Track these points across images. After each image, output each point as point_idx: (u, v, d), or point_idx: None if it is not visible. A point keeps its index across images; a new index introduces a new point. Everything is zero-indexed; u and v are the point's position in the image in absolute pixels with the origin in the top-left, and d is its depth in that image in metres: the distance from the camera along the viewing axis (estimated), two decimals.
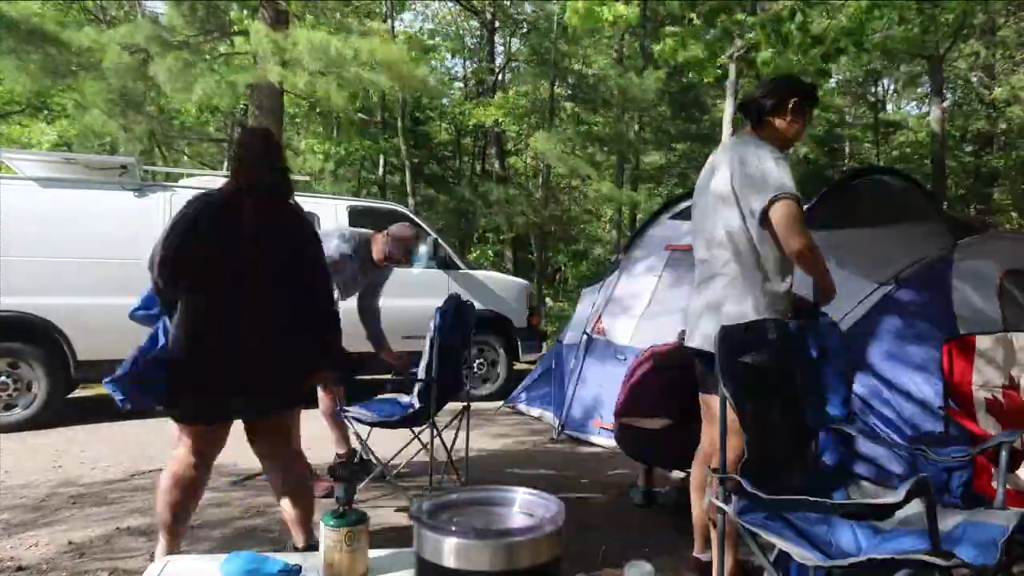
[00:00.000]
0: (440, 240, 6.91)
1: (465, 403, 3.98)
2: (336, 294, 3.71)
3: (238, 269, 2.38)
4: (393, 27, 18.32)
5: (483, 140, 21.07)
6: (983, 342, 3.32)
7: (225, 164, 16.00)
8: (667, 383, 3.45)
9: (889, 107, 23.76)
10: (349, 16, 14.41)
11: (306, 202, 6.53)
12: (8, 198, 5.28)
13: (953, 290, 3.93)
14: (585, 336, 5.29)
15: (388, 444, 4.92)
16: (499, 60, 20.39)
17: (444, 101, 19.24)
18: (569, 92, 19.42)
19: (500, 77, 20.09)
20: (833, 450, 2.97)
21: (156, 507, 2.46)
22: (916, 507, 1.56)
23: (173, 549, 2.43)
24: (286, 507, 2.56)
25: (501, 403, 6.30)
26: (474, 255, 17.78)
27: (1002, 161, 16.36)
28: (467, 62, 21.73)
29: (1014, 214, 17.75)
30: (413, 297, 6.62)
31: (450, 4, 20.29)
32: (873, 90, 22.45)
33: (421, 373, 3.66)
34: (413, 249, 3.98)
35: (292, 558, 1.60)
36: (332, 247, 3.72)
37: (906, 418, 3.32)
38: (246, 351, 2.36)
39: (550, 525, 1.22)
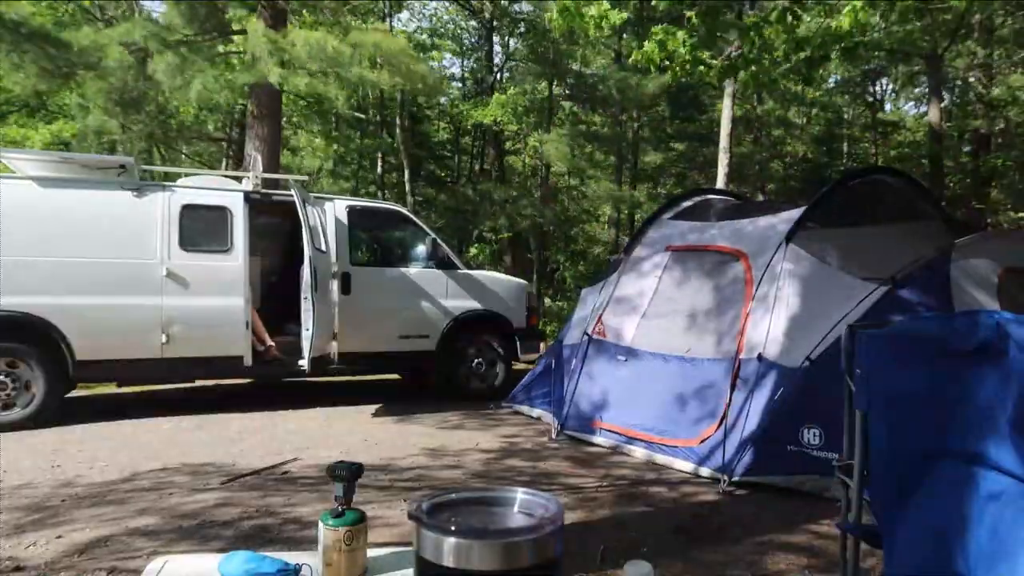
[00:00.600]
0: (439, 240, 6.91)
1: None
2: None
3: None
4: (392, 27, 18.30)
5: (482, 139, 21.06)
6: None
7: (224, 163, 15.99)
8: None
9: (887, 107, 23.79)
10: (348, 15, 14.38)
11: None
12: (7, 198, 5.28)
13: (952, 289, 3.95)
14: (586, 337, 5.30)
15: (389, 444, 4.93)
16: (497, 59, 20.38)
17: (443, 100, 19.23)
18: (568, 91, 19.41)
19: (499, 76, 20.08)
20: None
21: None
22: None
23: None
24: None
25: (501, 403, 6.30)
26: (473, 254, 17.76)
27: (1000, 160, 16.37)
28: (465, 61, 21.73)
29: (1012, 213, 17.77)
30: (411, 297, 6.63)
31: (448, 3, 20.27)
32: (871, 90, 22.47)
33: None
34: None
35: (292, 557, 1.60)
36: None
37: None
38: None
39: (550, 525, 1.22)
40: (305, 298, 5.71)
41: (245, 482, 3.93)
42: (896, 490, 1.52)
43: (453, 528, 1.20)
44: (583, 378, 5.17)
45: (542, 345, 7.74)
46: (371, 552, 1.60)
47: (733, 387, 4.20)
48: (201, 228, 5.92)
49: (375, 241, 7.70)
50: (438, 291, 6.74)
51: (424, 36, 20.36)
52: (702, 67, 5.44)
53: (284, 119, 13.56)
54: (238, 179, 6.98)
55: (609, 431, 4.83)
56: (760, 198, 17.42)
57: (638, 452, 4.57)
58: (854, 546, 1.86)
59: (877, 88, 22.80)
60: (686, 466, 4.22)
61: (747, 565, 2.85)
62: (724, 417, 4.12)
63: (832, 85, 21.44)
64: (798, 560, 2.91)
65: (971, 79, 16.95)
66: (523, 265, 18.50)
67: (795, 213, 4.70)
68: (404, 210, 7.49)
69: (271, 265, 7.38)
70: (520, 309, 7.12)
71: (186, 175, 7.18)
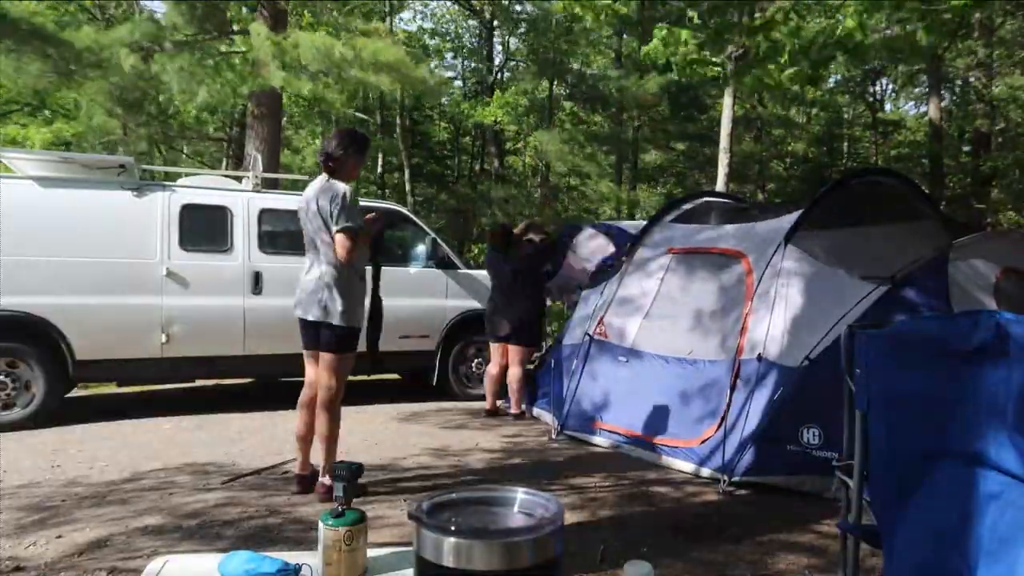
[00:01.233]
0: (439, 240, 6.91)
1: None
2: None
3: None
4: (392, 26, 18.30)
5: (482, 139, 21.07)
6: None
7: (224, 163, 16.00)
8: None
9: (887, 107, 23.79)
10: (348, 16, 14.38)
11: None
12: (7, 198, 5.28)
13: (951, 289, 3.95)
14: (587, 337, 5.30)
15: (389, 443, 4.93)
16: (498, 59, 20.39)
17: (443, 101, 19.23)
18: (568, 91, 19.42)
19: (499, 76, 20.08)
20: None
21: None
22: None
23: None
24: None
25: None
26: (473, 254, 17.77)
27: (1000, 160, 16.38)
28: (466, 61, 21.73)
29: (1012, 213, 17.77)
30: (412, 297, 6.62)
31: (449, 3, 20.28)
32: (871, 90, 22.47)
33: None
34: None
35: (292, 557, 1.60)
36: None
37: None
38: None
39: (550, 525, 1.22)
40: None
41: (246, 482, 3.93)
42: (896, 490, 1.52)
43: (453, 528, 1.20)
44: (584, 378, 5.17)
45: (542, 345, 7.73)
46: (371, 552, 1.61)
47: (733, 387, 4.20)
48: (201, 228, 5.93)
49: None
50: (438, 291, 6.75)
51: (425, 36, 20.35)
52: (710, 67, 5.44)
53: (284, 119, 13.57)
54: (238, 179, 6.98)
55: (609, 431, 4.83)
56: (760, 198, 17.43)
57: (638, 452, 4.58)
58: (854, 546, 1.86)
59: (877, 88, 22.80)
60: (687, 466, 4.23)
61: (747, 565, 2.85)
62: (724, 417, 4.12)
63: (832, 85, 21.43)
64: (798, 560, 2.91)
65: (971, 79, 16.94)
66: None
67: (794, 213, 4.70)
68: (404, 210, 7.49)
69: None
70: None
71: (186, 175, 7.18)
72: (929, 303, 3.87)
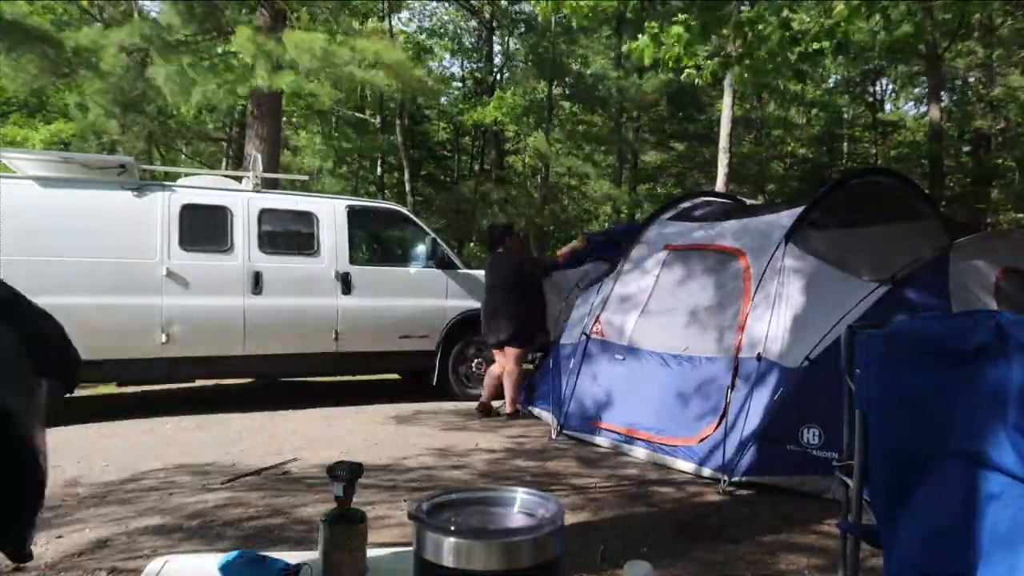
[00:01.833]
0: (439, 240, 6.91)
1: None
2: None
3: None
4: (391, 27, 18.30)
5: (481, 139, 21.07)
6: None
7: (224, 163, 15.99)
8: None
9: (887, 107, 23.80)
10: (347, 16, 14.38)
11: (304, 202, 6.56)
12: (7, 198, 5.28)
13: (951, 289, 3.95)
14: (584, 336, 5.30)
15: (390, 444, 4.93)
16: (497, 60, 20.39)
17: (443, 100, 19.24)
18: (567, 92, 19.42)
19: (499, 77, 20.08)
20: None
21: None
22: None
23: None
24: None
25: (499, 403, 6.30)
26: (473, 254, 17.76)
27: (1000, 160, 16.39)
28: (465, 62, 21.74)
29: (1012, 213, 17.78)
30: (412, 297, 6.63)
31: (447, 4, 20.28)
32: (871, 90, 22.48)
33: None
34: None
35: (292, 557, 1.60)
36: None
37: None
38: None
39: (550, 525, 1.22)
40: None
41: (247, 482, 3.93)
42: (896, 490, 1.52)
43: (453, 528, 1.20)
44: (582, 378, 5.17)
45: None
46: (371, 552, 1.60)
47: (732, 386, 4.20)
48: (201, 228, 5.93)
49: (375, 241, 7.70)
50: (438, 291, 6.75)
51: (423, 36, 20.35)
52: (692, 70, 5.49)
53: (284, 119, 13.56)
54: (238, 179, 6.98)
55: (608, 431, 4.83)
56: (760, 199, 17.43)
57: (639, 452, 4.58)
58: (854, 546, 1.86)
59: (877, 88, 22.81)
60: (686, 466, 4.22)
61: (747, 565, 2.85)
62: (724, 416, 4.12)
63: (832, 85, 21.44)
64: (798, 560, 2.91)
65: (971, 79, 16.95)
66: None
67: (794, 212, 4.70)
68: (404, 210, 7.49)
69: None
70: None
71: (186, 175, 7.19)
72: (929, 303, 3.87)
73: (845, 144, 23.02)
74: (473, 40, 21.00)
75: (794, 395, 3.86)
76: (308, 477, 4.02)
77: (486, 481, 4.03)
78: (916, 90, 20.59)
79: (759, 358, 4.13)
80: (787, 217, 4.73)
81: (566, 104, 20.23)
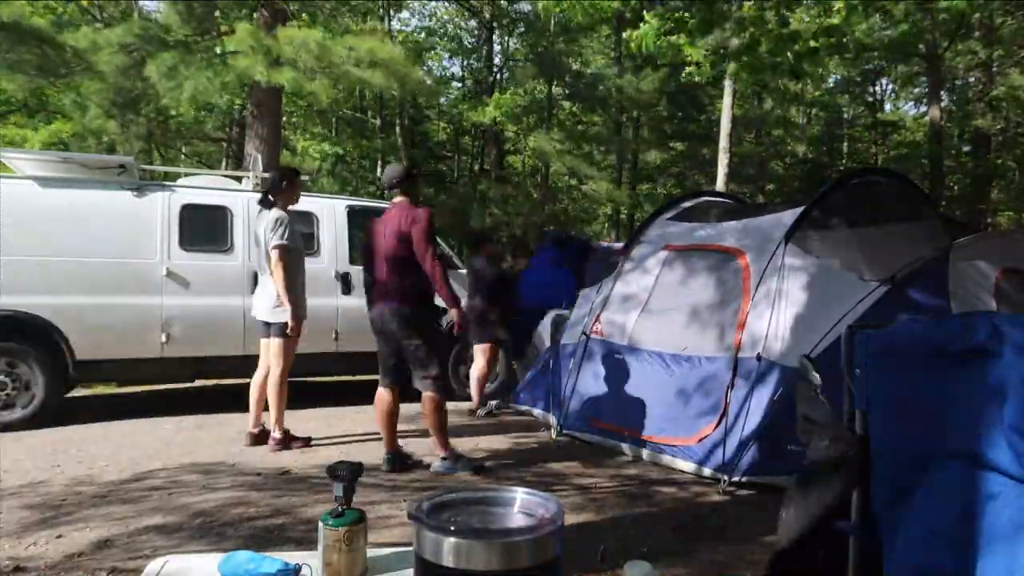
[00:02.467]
0: (439, 239, 6.90)
1: None
2: None
3: None
4: (390, 27, 18.30)
5: (482, 139, 21.06)
6: None
7: (224, 163, 15.99)
8: None
9: (887, 107, 23.80)
10: (346, 16, 14.38)
11: (304, 202, 6.55)
12: (7, 198, 5.28)
13: (950, 289, 3.95)
14: (584, 336, 5.30)
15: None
16: (497, 60, 20.38)
17: (442, 100, 19.24)
18: (567, 91, 19.42)
19: (499, 77, 20.08)
20: None
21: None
22: None
23: None
24: None
25: (502, 403, 6.31)
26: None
27: (1000, 160, 16.39)
28: (465, 62, 21.74)
29: (1012, 213, 17.78)
30: None
31: (448, 3, 20.27)
32: (871, 90, 22.49)
33: None
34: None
35: (292, 557, 1.60)
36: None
37: None
38: None
39: (550, 525, 1.23)
40: None
41: (247, 482, 3.93)
42: (895, 490, 1.53)
43: (453, 528, 1.20)
44: (582, 377, 5.18)
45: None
46: (371, 552, 1.61)
47: (732, 386, 4.20)
48: (201, 228, 5.93)
49: None
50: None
51: (423, 35, 20.33)
52: (692, 67, 5.51)
53: (284, 119, 13.56)
54: (238, 179, 6.98)
55: (608, 430, 4.83)
56: (760, 199, 17.44)
57: (639, 451, 4.58)
58: (854, 546, 1.86)
59: (877, 88, 22.82)
60: (687, 465, 4.23)
61: (747, 565, 2.85)
62: (724, 416, 4.12)
63: (832, 85, 21.44)
64: None
65: (971, 79, 16.95)
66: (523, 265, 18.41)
67: (795, 212, 4.70)
68: None
69: None
70: None
71: (186, 175, 7.18)
72: (929, 303, 3.87)
73: (845, 144, 23.04)
74: (473, 40, 21.00)
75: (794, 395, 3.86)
76: (309, 477, 4.02)
77: (488, 481, 4.03)
78: (916, 90, 20.59)
79: (759, 358, 4.13)
80: (787, 217, 4.73)
81: (566, 104, 20.23)
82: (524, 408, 5.99)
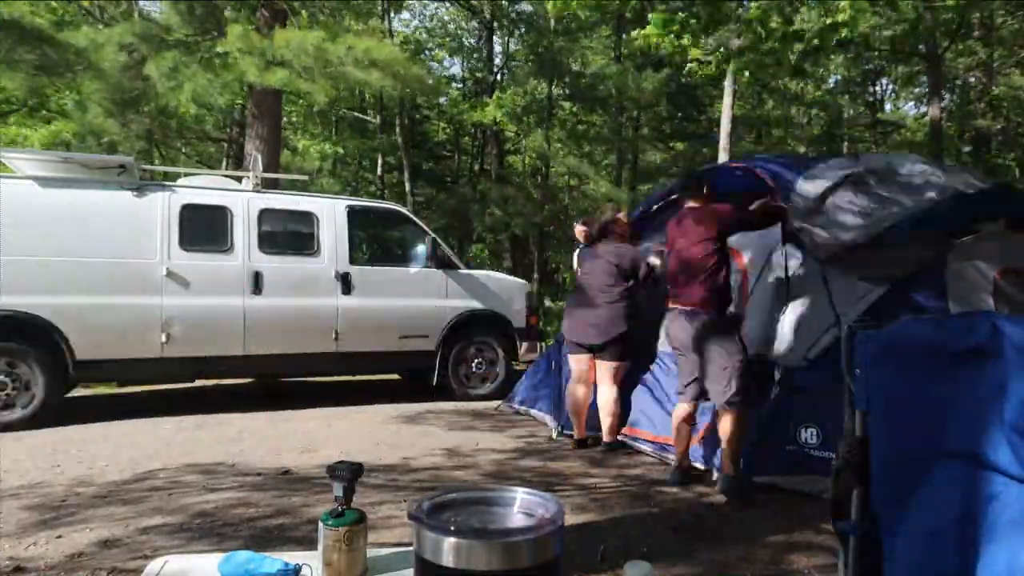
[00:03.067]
0: (439, 240, 6.91)
1: None
2: None
3: None
4: (391, 27, 18.30)
5: (482, 139, 21.06)
6: None
7: (224, 163, 15.98)
8: None
9: (887, 107, 23.79)
10: (346, 16, 14.38)
11: (304, 202, 6.56)
12: (7, 198, 5.28)
13: (950, 289, 3.95)
14: None
15: (391, 444, 4.93)
16: (497, 60, 20.38)
17: (442, 100, 19.23)
18: (567, 91, 19.41)
19: (499, 77, 20.07)
20: None
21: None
22: None
23: None
24: None
25: (500, 402, 6.31)
26: (473, 254, 17.76)
27: (1000, 160, 16.39)
28: (465, 62, 21.73)
29: None
30: (412, 297, 6.63)
31: (448, 3, 20.27)
32: (871, 90, 22.48)
33: None
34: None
35: (293, 557, 1.60)
36: None
37: None
38: None
39: (550, 525, 1.23)
40: None
41: (248, 482, 3.93)
42: (895, 490, 1.53)
43: (453, 528, 1.20)
44: None
45: (541, 345, 7.74)
46: (371, 552, 1.61)
47: None
48: (201, 228, 5.93)
49: (375, 241, 7.70)
50: (438, 291, 6.75)
51: (423, 35, 20.32)
52: (694, 65, 5.52)
53: (284, 119, 13.56)
54: (238, 179, 6.99)
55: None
56: None
57: (640, 451, 4.58)
58: (854, 546, 1.86)
59: (877, 88, 22.80)
60: None
61: (747, 565, 2.85)
62: None
63: (832, 85, 21.43)
64: (799, 560, 2.91)
65: (971, 79, 16.95)
66: (523, 265, 18.48)
67: None
68: (404, 210, 7.49)
69: None
70: (520, 309, 7.13)
71: (186, 175, 7.19)
72: (929, 303, 3.87)
73: (845, 144, 23.00)
74: (473, 40, 20.99)
75: (792, 395, 3.86)
76: (310, 477, 4.02)
77: (490, 481, 4.03)
78: (916, 90, 20.58)
79: (758, 357, 4.13)
80: None
81: (566, 104, 20.22)
82: (524, 408, 5.98)
